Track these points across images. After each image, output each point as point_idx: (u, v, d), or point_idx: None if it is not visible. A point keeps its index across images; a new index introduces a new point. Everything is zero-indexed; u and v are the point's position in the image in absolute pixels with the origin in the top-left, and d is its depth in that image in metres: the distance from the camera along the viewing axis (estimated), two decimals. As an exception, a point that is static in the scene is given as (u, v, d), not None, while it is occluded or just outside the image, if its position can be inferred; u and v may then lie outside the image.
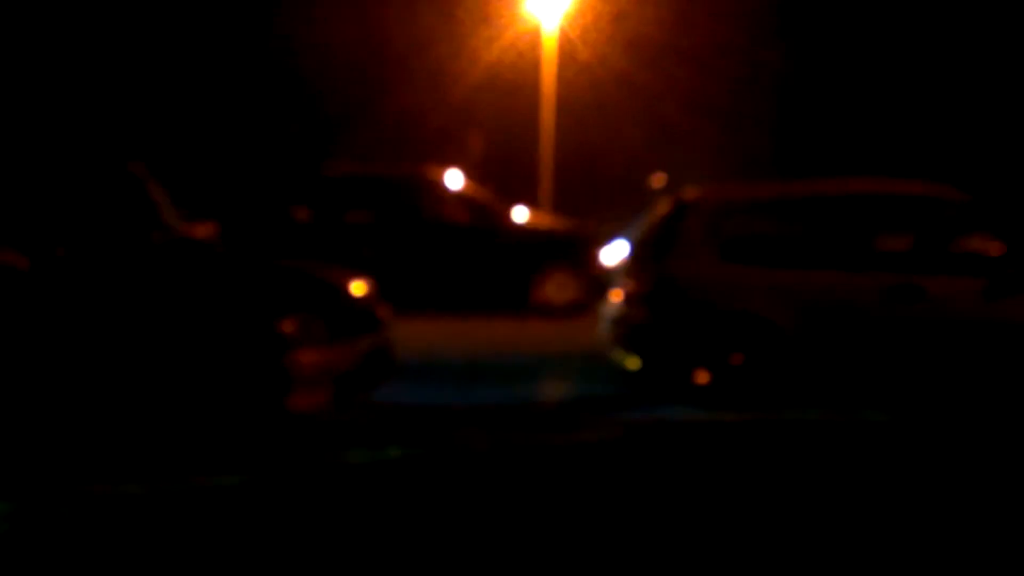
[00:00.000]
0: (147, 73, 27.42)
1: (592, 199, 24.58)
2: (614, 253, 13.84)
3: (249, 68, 28.76)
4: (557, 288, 13.27)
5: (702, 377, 8.29)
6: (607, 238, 15.13)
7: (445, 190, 14.05)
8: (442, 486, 6.11)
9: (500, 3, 27.17)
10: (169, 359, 7.01)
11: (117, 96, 26.90)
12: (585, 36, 27.19)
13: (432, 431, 7.55)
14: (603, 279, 13.33)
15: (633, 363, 8.63)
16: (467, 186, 14.79)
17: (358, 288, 7.98)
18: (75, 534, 5.31)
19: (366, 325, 7.72)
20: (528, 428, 7.67)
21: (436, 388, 9.08)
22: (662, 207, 9.13)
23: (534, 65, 25.00)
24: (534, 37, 25.04)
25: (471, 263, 13.30)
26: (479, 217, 13.71)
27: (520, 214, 14.46)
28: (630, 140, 26.10)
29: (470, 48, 28.34)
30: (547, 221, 15.96)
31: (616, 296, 8.95)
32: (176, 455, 6.74)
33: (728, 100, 29.03)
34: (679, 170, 18.31)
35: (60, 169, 8.40)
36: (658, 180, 8.81)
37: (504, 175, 25.75)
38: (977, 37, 27.86)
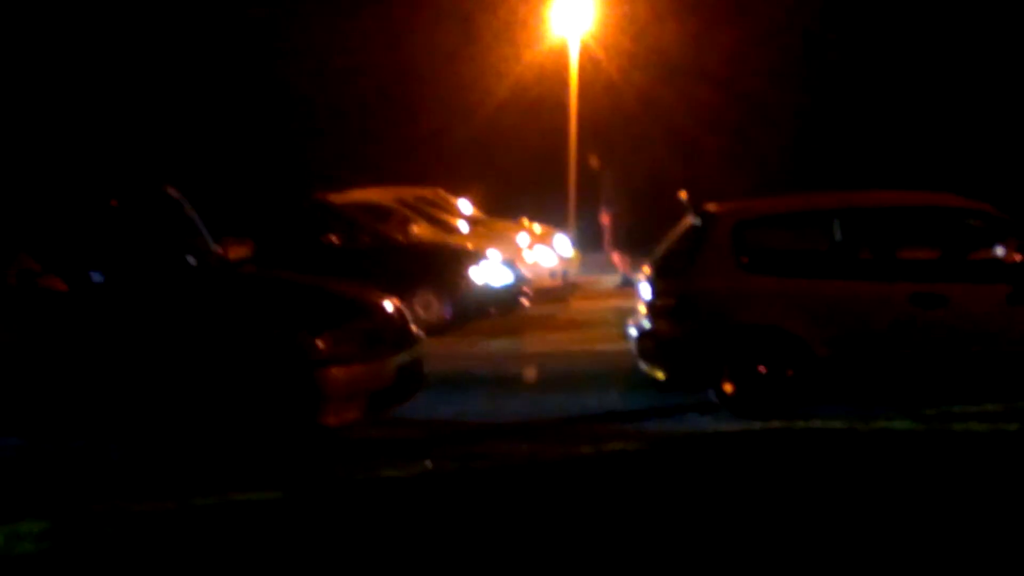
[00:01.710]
0: (171, 98, 27.69)
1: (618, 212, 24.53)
2: (488, 269, 13.72)
3: (274, 90, 29.00)
4: (423, 308, 13.16)
5: (727, 388, 8.41)
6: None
7: (336, 212, 13.98)
8: (472, 499, 6.22)
9: (525, 22, 27.36)
10: (204, 377, 7.07)
11: (148, 120, 27.19)
12: (608, 53, 27.33)
13: (464, 444, 7.68)
14: (474, 296, 13.32)
15: (659, 375, 8.77)
16: (367, 207, 14.74)
17: (390, 305, 8.12)
18: (112, 552, 5.41)
19: (398, 341, 7.83)
20: (557, 440, 7.79)
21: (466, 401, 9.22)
22: (685, 221, 9.25)
23: (559, 82, 25.14)
24: (559, 55, 25.19)
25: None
26: (362, 238, 13.61)
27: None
28: (652, 154, 26.15)
29: (495, 66, 28.52)
30: (433, 237, 15.89)
31: (641, 310, 9.08)
32: (212, 472, 6.86)
33: (747, 115, 29.09)
34: (700, 183, 18.36)
35: (97, 193, 8.58)
36: (683, 195, 8.93)
37: (533, 189, 25.89)
38: (994, 51, 27.82)
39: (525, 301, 14.46)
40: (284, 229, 12.79)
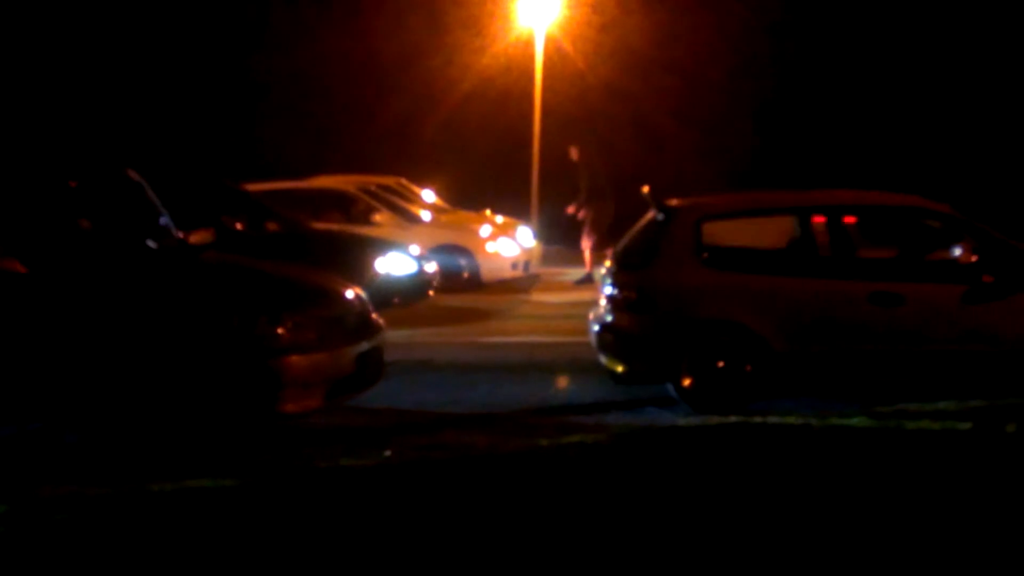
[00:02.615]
0: (142, 81, 27.48)
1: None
2: (394, 259, 13.65)
3: (240, 78, 28.84)
4: None
5: (686, 382, 8.47)
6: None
7: (243, 198, 13.71)
8: (432, 490, 6.24)
9: (491, 13, 27.34)
10: (161, 363, 7.02)
11: (112, 102, 26.96)
12: (575, 45, 27.37)
13: (424, 434, 7.69)
14: (379, 286, 12.86)
15: (618, 368, 8.81)
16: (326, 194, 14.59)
17: (351, 293, 8.11)
18: (67, 537, 5.38)
19: (359, 329, 7.83)
20: (516, 432, 7.82)
21: (426, 390, 9.23)
22: (647, 215, 9.30)
23: (525, 73, 25.13)
24: (525, 47, 25.19)
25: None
26: (267, 224, 13.49)
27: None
28: (617, 147, 26.21)
29: (461, 57, 28.49)
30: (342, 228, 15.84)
31: (601, 302, 9.12)
32: (170, 458, 6.84)
33: (712, 108, 29.23)
34: (663, 176, 18.45)
35: (58, 174, 8.51)
36: (645, 189, 8.93)
37: (497, 180, 25.90)
38: (961, 46, 28.09)
39: (431, 292, 14.41)
40: (191, 213, 12.62)
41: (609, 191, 18.10)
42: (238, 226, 12.93)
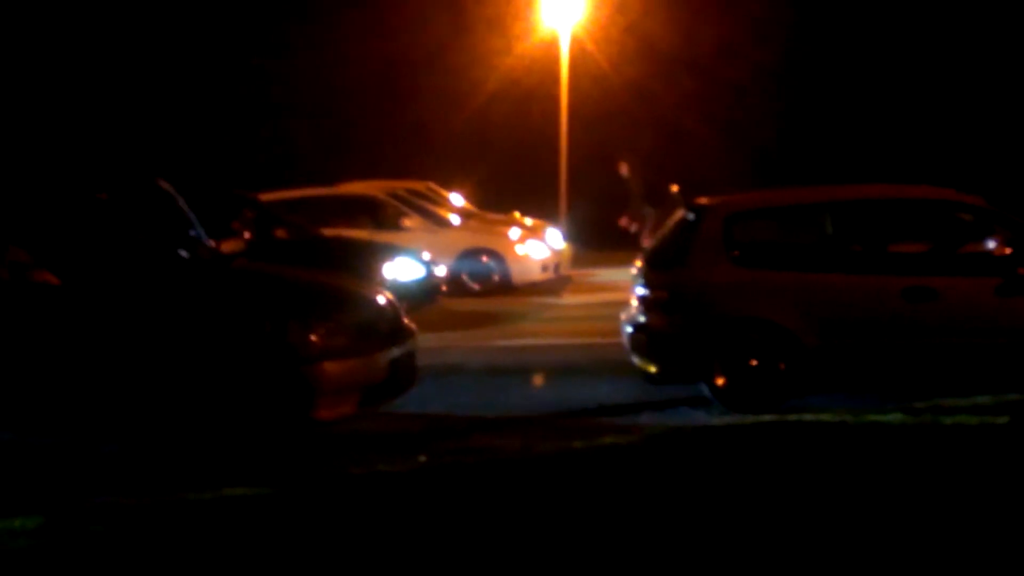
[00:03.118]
0: (165, 89, 27.63)
1: (606, 202, 24.66)
2: (401, 264, 13.66)
3: (265, 82, 28.95)
4: None
5: (719, 382, 8.44)
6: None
7: (252, 206, 13.75)
8: (466, 494, 6.24)
9: (516, 13, 27.34)
10: (197, 372, 7.07)
11: (136, 111, 27.12)
12: (599, 46, 27.35)
13: (458, 439, 7.70)
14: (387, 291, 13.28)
15: (651, 368, 8.79)
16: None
17: (383, 298, 8.13)
18: (105, 547, 5.40)
19: (391, 335, 7.84)
20: (549, 434, 7.81)
21: (459, 394, 9.23)
22: (677, 215, 9.28)
23: (551, 74, 25.13)
24: (550, 47, 25.18)
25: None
26: (276, 232, 13.52)
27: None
28: (643, 146, 26.17)
29: (486, 58, 28.52)
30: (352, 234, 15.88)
31: (633, 303, 9.10)
32: (206, 467, 6.87)
33: (737, 107, 29.15)
34: (689, 174, 18.48)
35: (89, 187, 8.57)
36: (674, 188, 8.87)
37: (524, 182, 25.91)
38: (981, 42, 27.90)
39: (441, 298, 14.43)
40: (207, 223, 12.67)
41: (655, 199, 18.33)
42: (246, 234, 12.98)
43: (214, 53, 28.22)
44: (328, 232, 15.10)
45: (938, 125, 27.95)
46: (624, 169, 18.82)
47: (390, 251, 14.00)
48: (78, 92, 26.46)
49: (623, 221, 18.76)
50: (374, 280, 12.80)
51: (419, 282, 13.74)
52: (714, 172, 24.37)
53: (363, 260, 13.28)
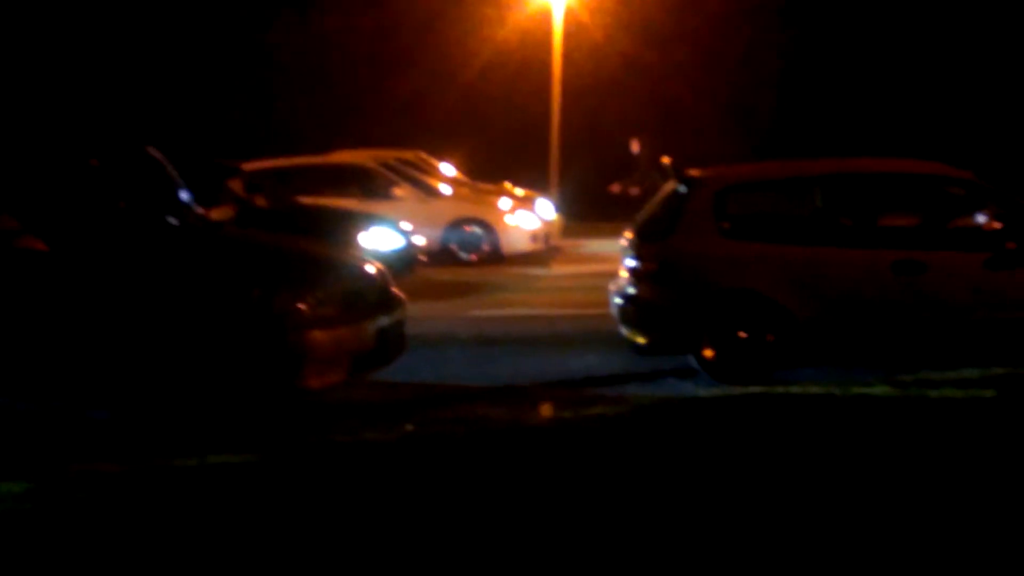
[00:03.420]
0: (157, 58, 27.48)
1: (598, 175, 24.61)
2: (378, 233, 13.61)
3: (256, 52, 28.80)
4: None
5: (708, 353, 8.45)
6: None
7: (232, 174, 13.58)
8: (454, 463, 6.26)
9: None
10: (185, 339, 7.05)
11: (128, 80, 26.98)
12: (593, 16, 27.24)
13: (446, 408, 7.71)
14: None
15: (640, 340, 8.80)
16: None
17: (372, 267, 8.12)
18: (91, 513, 5.42)
19: (380, 304, 7.84)
20: (538, 404, 7.83)
21: (447, 364, 9.24)
22: (668, 186, 9.27)
23: (544, 45, 25.05)
24: (543, 18, 25.08)
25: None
26: (255, 200, 13.44)
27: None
28: (635, 118, 26.10)
29: (479, 29, 28.40)
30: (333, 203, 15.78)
31: (623, 274, 9.10)
32: (193, 434, 6.88)
33: (731, 79, 29.08)
34: (685, 147, 18.47)
35: (79, 153, 8.53)
36: (666, 160, 8.83)
37: (516, 153, 25.85)
38: (977, 18, 27.84)
39: (419, 268, 14.40)
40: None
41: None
42: (231, 203, 12.93)
43: (205, 23, 28.06)
44: (314, 201, 15.06)
45: (935, 99, 27.91)
46: (635, 146, 18.85)
47: (367, 220, 13.97)
48: (68, 60, 26.31)
49: (615, 187, 18.73)
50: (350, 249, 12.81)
51: (397, 252, 13.68)
52: (708, 144, 24.35)
53: (339, 229, 13.21)
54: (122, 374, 7.11)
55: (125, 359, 7.09)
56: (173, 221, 8.34)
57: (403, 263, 13.84)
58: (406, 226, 14.42)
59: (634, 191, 18.31)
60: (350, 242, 12.96)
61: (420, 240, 14.80)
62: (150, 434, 6.93)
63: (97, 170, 8.42)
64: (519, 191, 19.53)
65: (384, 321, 7.72)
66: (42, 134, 8.98)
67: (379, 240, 13.55)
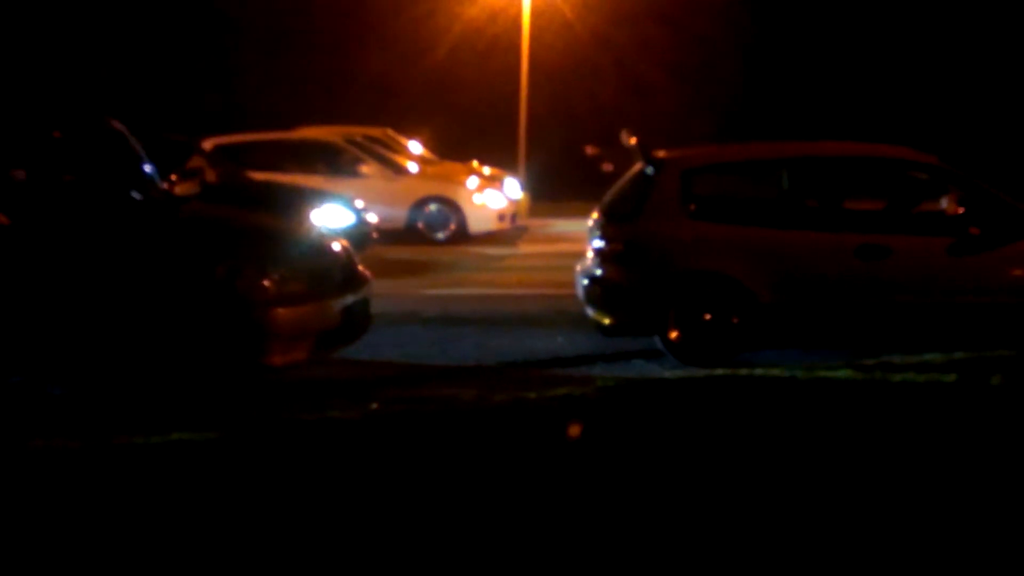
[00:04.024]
0: (120, 29, 27.19)
1: (565, 154, 24.64)
2: (330, 210, 13.59)
3: (222, 27, 28.55)
4: None
5: (673, 335, 8.48)
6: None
7: (183, 150, 13.52)
8: (418, 442, 6.25)
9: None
10: (146, 314, 7.01)
11: (91, 52, 26.69)
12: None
13: (411, 387, 7.69)
14: None
15: (606, 320, 8.81)
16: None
17: (337, 245, 8.08)
18: (48, 489, 5.36)
19: (345, 281, 7.81)
20: (503, 384, 7.82)
21: (413, 343, 9.22)
22: (635, 167, 9.27)
23: (513, 23, 24.97)
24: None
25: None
26: (206, 176, 13.36)
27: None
28: (604, 97, 26.11)
29: (448, 6, 28.26)
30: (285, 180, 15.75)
31: (589, 255, 9.10)
32: (154, 411, 6.84)
33: (702, 59, 29.10)
34: (650, 127, 18.49)
35: (41, 125, 8.42)
36: (632, 141, 8.81)
37: (484, 132, 25.80)
38: (952, 5, 27.98)
39: (372, 246, 14.37)
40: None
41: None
42: (173, 176, 12.81)
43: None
44: (278, 177, 14.96)
45: (904, 79, 28.05)
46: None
47: (319, 196, 13.89)
48: (27, 31, 25.98)
49: (590, 148, 18.72)
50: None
51: (349, 228, 13.61)
52: (676, 123, 24.38)
53: (291, 205, 13.12)
54: (84, 350, 7.07)
55: (87, 334, 7.04)
56: (136, 195, 8.26)
57: (355, 240, 13.80)
58: (358, 203, 14.35)
59: (608, 167, 18.28)
60: (302, 218, 12.88)
61: (372, 218, 14.73)
62: (112, 411, 6.88)
63: (59, 142, 8.32)
64: (487, 170, 19.49)
65: (349, 299, 7.70)
66: (3, 105, 8.85)
67: (331, 217, 13.49)
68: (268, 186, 14.42)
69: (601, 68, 29.15)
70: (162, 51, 27.68)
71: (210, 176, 13.16)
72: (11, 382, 7.47)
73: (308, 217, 13.08)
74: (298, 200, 13.50)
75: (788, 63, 29.31)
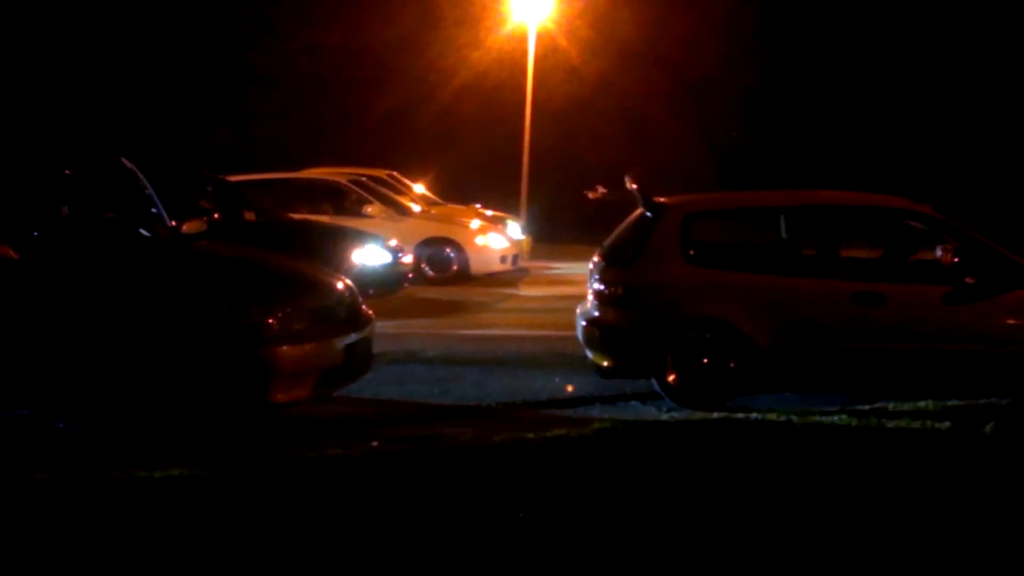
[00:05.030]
0: (135, 72, 27.43)
1: (568, 195, 24.70)
2: (370, 250, 13.73)
3: (234, 69, 28.80)
4: None
5: (671, 378, 8.57)
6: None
7: (222, 187, 13.73)
8: (417, 481, 6.32)
9: (484, 7, 27.36)
10: (152, 351, 7.04)
11: (104, 90, 26.91)
12: (568, 39, 27.43)
13: (411, 426, 7.77)
14: (355, 277, 13.13)
15: (605, 362, 8.91)
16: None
17: (341, 284, 8.18)
18: (51, 521, 5.43)
19: (348, 320, 7.89)
20: (502, 424, 7.90)
21: (414, 382, 9.30)
22: (635, 211, 9.40)
23: (518, 67, 25.19)
24: (518, 41, 25.23)
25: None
26: (245, 214, 13.40)
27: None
28: (608, 139, 26.27)
29: (454, 51, 28.53)
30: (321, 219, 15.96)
31: (589, 297, 9.21)
32: (156, 447, 6.88)
33: (704, 104, 29.32)
34: (652, 171, 18.63)
35: (53, 162, 8.55)
36: (633, 185, 8.94)
37: (487, 175, 25.96)
38: (953, 48, 28.20)
39: (407, 285, 14.55)
40: (171, 202, 12.60)
41: None
42: (215, 215, 12.94)
43: (185, 38, 28.05)
44: (294, 216, 15.11)
45: (906, 131, 28.22)
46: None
47: (359, 237, 14.04)
48: (46, 69, 26.22)
49: (599, 188, 18.80)
50: (343, 265, 12.91)
51: (386, 267, 13.83)
52: (678, 167, 24.55)
53: (332, 245, 13.32)
54: (89, 385, 7.11)
55: (93, 369, 7.08)
56: (144, 232, 8.38)
57: (393, 280, 13.97)
58: (392, 243, 14.51)
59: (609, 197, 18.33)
60: (343, 258, 13.07)
61: (407, 258, 14.92)
62: (115, 445, 6.94)
63: (70, 179, 8.45)
64: (489, 212, 19.66)
65: (352, 338, 7.77)
66: (17, 142, 8.98)
67: (371, 256, 13.66)
68: (308, 225, 14.57)
69: (604, 111, 29.34)
70: (173, 89, 27.92)
71: (249, 216, 13.29)
72: (18, 415, 7.55)
73: (348, 257, 13.23)
74: (337, 240, 13.65)
75: (788, 107, 29.53)
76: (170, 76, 27.80)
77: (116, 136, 20.95)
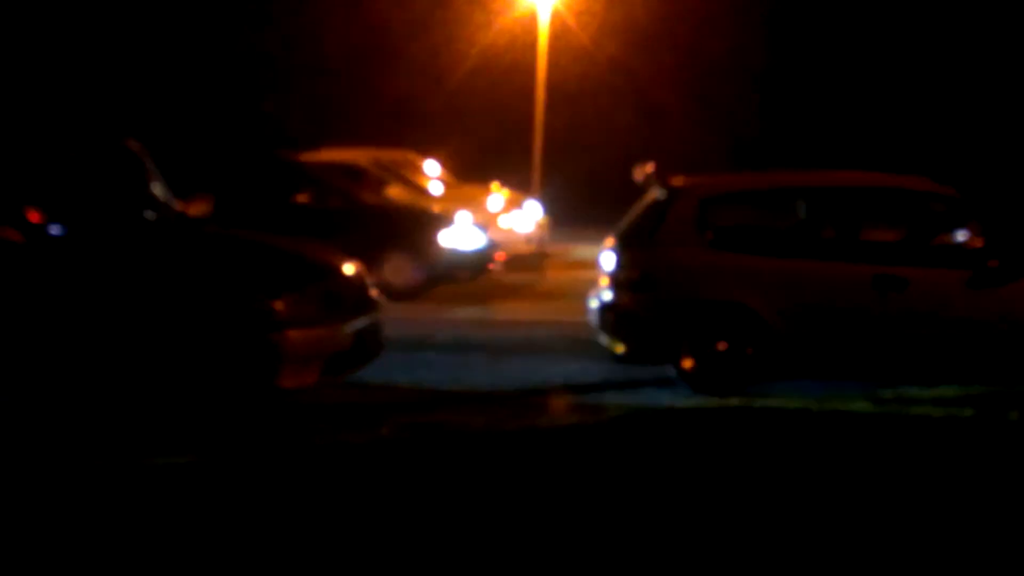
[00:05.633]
0: (139, 53, 27.35)
1: (581, 179, 24.61)
2: (459, 232, 13.58)
3: (245, 51, 28.71)
4: (393, 272, 12.93)
5: (686, 364, 8.42)
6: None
7: (306, 172, 13.71)
8: (426, 468, 6.22)
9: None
10: (160, 336, 7.01)
11: (112, 74, 26.85)
12: (579, 20, 27.23)
13: (421, 413, 7.65)
14: (445, 261, 13.18)
15: (619, 348, 8.76)
16: (340, 168, 14.73)
17: (349, 268, 8.06)
18: (61, 507, 5.40)
19: (357, 305, 7.79)
20: (514, 411, 7.78)
21: (425, 368, 9.19)
22: (650, 194, 9.23)
23: (530, 48, 25.03)
24: (530, 21, 25.06)
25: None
26: (331, 199, 13.32)
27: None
28: (620, 122, 26.12)
29: (467, 32, 28.37)
30: (401, 200, 15.80)
31: (603, 282, 9.06)
32: (164, 432, 6.82)
33: (718, 86, 29.13)
34: (666, 153, 18.47)
35: (56, 145, 8.44)
36: (641, 171, 8.77)
37: (499, 155, 25.83)
38: (959, 31, 27.96)
39: (494, 266, 14.39)
40: (250, 188, 12.61)
41: None
42: (302, 200, 12.90)
43: (197, 22, 27.95)
44: (373, 198, 14.89)
45: (920, 108, 28.01)
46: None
47: (447, 219, 13.85)
48: (59, 55, 26.16)
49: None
50: (431, 250, 12.85)
51: (478, 252, 13.70)
52: (691, 148, 24.37)
53: (421, 229, 13.21)
54: (95, 369, 7.06)
55: (98, 354, 7.03)
56: (150, 215, 8.27)
57: (482, 263, 13.81)
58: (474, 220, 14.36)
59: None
60: (431, 242, 12.96)
61: (500, 241, 14.80)
62: (124, 430, 6.86)
63: (75, 162, 8.34)
64: (506, 192, 19.49)
65: (361, 322, 7.68)
66: (21, 124, 8.87)
67: (460, 240, 13.49)
68: (390, 209, 14.39)
69: (617, 93, 29.18)
70: (184, 73, 27.84)
71: (335, 201, 13.13)
72: (26, 400, 7.47)
73: (436, 240, 13.11)
74: (426, 223, 13.52)
75: (804, 89, 29.31)
76: (175, 57, 27.71)
77: (131, 121, 20.89)
